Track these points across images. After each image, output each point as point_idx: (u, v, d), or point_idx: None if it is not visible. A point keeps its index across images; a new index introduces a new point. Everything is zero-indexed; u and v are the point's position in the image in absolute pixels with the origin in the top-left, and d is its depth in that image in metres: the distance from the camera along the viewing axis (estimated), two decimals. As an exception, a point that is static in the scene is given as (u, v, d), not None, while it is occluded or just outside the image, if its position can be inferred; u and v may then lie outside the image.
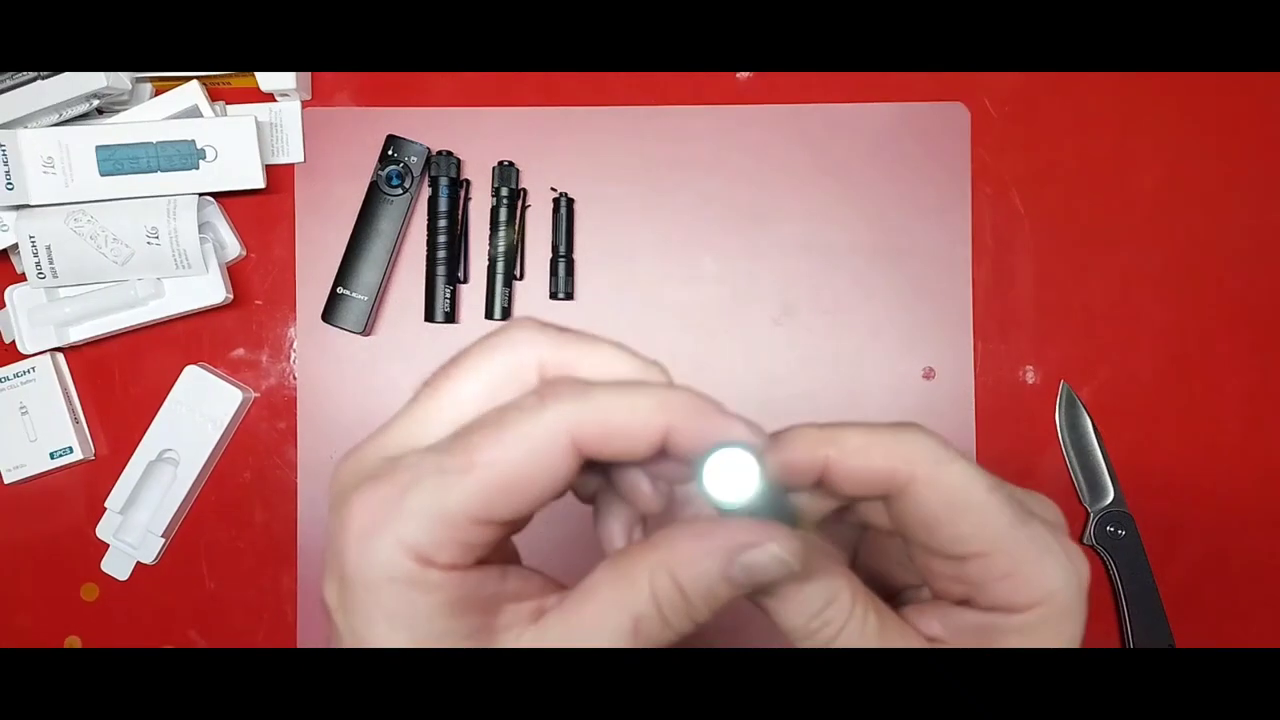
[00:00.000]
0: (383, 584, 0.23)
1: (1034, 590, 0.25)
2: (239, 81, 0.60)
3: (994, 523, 0.25)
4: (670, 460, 0.25)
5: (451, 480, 0.23)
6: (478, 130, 0.61)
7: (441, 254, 0.60)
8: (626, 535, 0.28)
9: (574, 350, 0.25)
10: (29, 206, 0.56)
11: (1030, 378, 0.62)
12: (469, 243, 0.61)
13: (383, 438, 0.25)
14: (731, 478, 0.24)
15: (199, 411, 0.59)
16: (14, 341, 0.59)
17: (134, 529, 0.59)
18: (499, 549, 0.26)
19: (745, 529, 0.24)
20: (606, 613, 0.24)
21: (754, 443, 0.25)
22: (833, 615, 0.26)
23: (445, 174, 0.60)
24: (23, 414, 0.59)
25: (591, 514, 0.28)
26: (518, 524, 0.25)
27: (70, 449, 0.59)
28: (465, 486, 0.23)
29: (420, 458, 0.24)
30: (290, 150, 0.61)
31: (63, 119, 0.57)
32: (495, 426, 0.23)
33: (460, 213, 0.61)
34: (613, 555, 0.26)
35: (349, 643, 0.24)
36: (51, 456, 0.59)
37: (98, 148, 0.56)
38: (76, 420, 0.60)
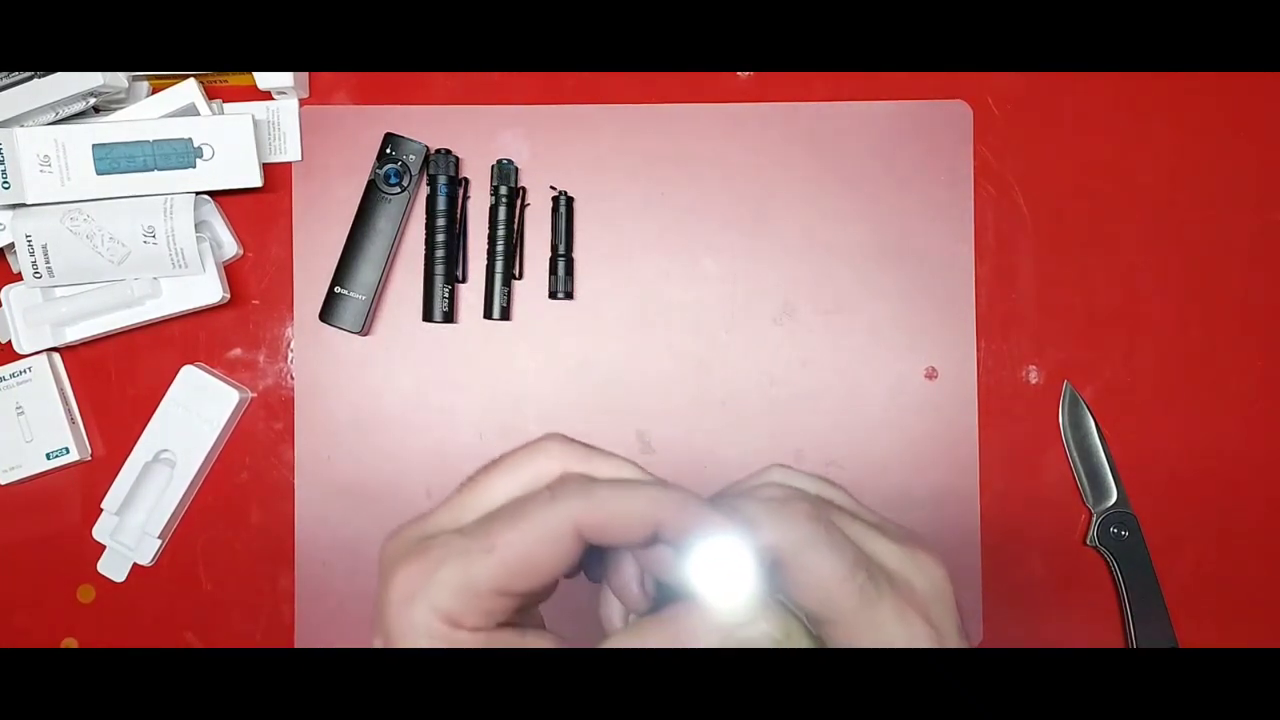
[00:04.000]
0: (420, 642, 0.28)
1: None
2: (236, 79, 0.60)
3: (843, 604, 0.29)
4: (662, 547, 0.29)
5: (476, 558, 0.27)
6: (476, 128, 0.61)
7: (440, 253, 0.60)
8: (622, 620, 0.32)
9: (592, 463, 0.30)
10: (25, 205, 0.56)
11: (1033, 378, 0.61)
12: (468, 241, 0.61)
13: (423, 522, 0.29)
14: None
15: (196, 412, 0.59)
16: (10, 341, 0.58)
17: (130, 530, 0.59)
18: (525, 614, 0.30)
19: (740, 611, 0.28)
20: None
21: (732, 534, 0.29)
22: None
23: (444, 172, 0.60)
24: (19, 414, 0.59)
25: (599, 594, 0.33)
26: (535, 595, 0.29)
27: (66, 449, 0.59)
28: (487, 563, 0.27)
29: (451, 538, 0.28)
30: (288, 149, 0.61)
31: (59, 117, 0.56)
32: (514, 515, 0.28)
33: (459, 211, 0.61)
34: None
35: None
36: (48, 457, 0.59)
37: (94, 146, 0.56)
38: (73, 421, 0.60)
